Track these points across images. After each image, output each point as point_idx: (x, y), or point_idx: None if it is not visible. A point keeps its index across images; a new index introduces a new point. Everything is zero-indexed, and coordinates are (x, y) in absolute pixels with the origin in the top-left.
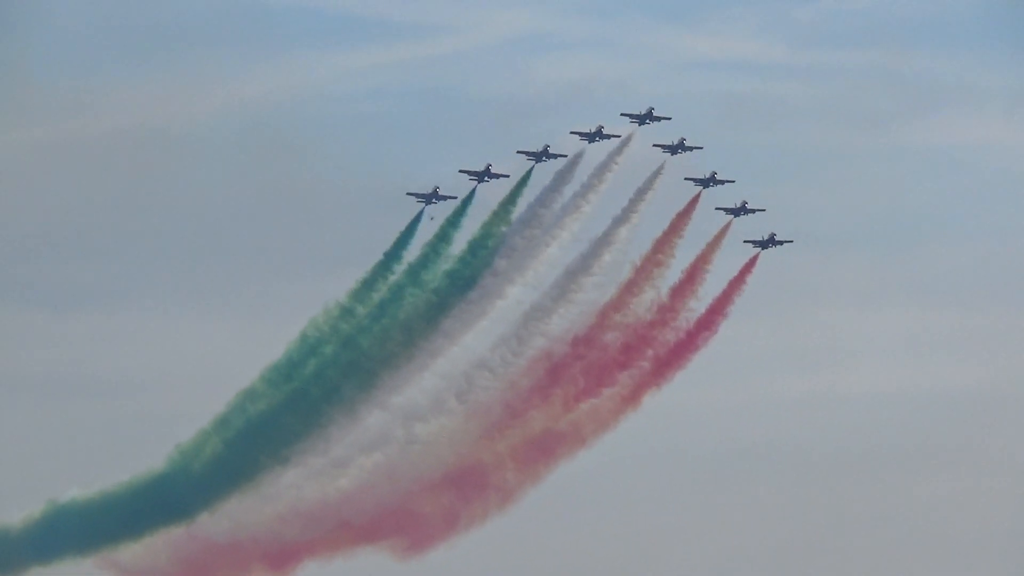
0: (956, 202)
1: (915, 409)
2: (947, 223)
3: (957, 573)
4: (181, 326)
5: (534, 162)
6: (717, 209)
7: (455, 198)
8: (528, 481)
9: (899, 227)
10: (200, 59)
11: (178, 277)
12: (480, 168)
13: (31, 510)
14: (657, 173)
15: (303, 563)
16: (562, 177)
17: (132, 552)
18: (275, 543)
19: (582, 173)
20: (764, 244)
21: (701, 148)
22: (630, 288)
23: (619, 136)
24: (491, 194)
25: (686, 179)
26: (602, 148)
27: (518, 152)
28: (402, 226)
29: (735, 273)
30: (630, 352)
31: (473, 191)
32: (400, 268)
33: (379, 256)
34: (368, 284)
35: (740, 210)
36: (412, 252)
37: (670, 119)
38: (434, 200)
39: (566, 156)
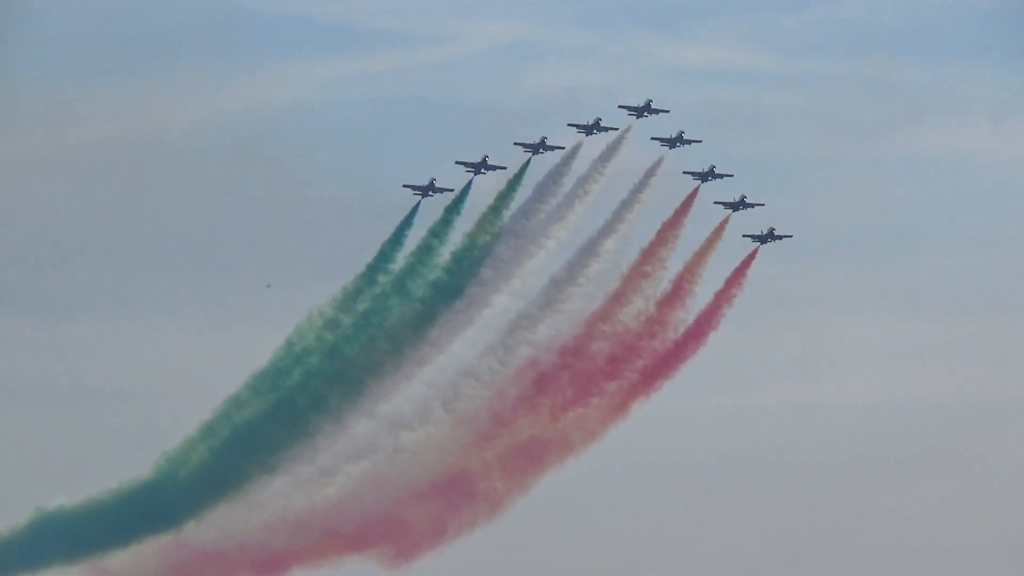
0: (943, 211)
1: (903, 417)
2: (934, 231)
3: None
4: (167, 334)
5: (531, 154)
6: (716, 203)
7: (451, 190)
8: (516, 489)
9: (886, 235)
10: (187, 68)
11: (163, 285)
12: (477, 160)
13: (18, 518)
14: (655, 167)
15: (290, 571)
16: (559, 170)
17: (119, 560)
18: (262, 551)
19: (579, 166)
20: (763, 239)
21: (700, 142)
22: (629, 284)
23: (616, 129)
24: (488, 187)
25: (684, 173)
26: (599, 141)
27: (515, 144)
28: (387, 235)
29: (734, 268)
30: (617, 362)
31: (470, 183)
32: (387, 277)
33: (365, 264)
34: (354, 293)
35: (739, 204)
36: (409, 246)
37: (668, 112)
38: (431, 192)
39: (563, 148)
